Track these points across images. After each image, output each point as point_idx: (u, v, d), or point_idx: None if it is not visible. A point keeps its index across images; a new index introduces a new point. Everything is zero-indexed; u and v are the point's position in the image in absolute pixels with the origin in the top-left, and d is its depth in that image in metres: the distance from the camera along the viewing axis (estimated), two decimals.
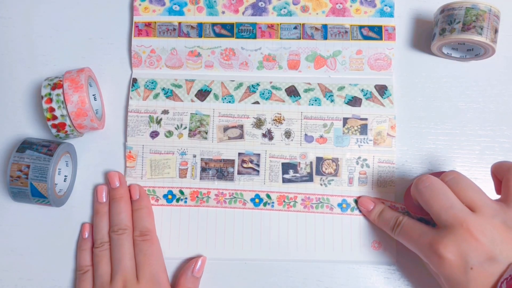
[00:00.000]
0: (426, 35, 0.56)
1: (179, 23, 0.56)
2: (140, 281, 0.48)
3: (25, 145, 0.49)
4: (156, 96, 0.54)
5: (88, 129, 0.52)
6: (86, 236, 0.52)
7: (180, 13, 0.56)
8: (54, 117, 0.49)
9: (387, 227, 0.49)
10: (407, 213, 0.49)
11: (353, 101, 0.54)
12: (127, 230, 0.50)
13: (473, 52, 0.53)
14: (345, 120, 0.53)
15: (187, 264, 0.51)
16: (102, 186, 0.52)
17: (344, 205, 0.52)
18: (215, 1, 0.56)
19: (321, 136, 0.53)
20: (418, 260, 0.51)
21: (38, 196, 0.48)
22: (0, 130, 0.55)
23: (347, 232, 0.51)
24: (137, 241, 0.50)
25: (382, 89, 0.54)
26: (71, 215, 0.53)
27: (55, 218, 0.53)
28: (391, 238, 0.51)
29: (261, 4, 0.55)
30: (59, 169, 0.52)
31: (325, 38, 0.55)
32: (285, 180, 0.53)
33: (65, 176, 0.52)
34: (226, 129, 0.54)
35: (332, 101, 0.54)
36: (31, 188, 0.48)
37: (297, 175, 0.53)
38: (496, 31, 0.50)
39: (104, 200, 0.52)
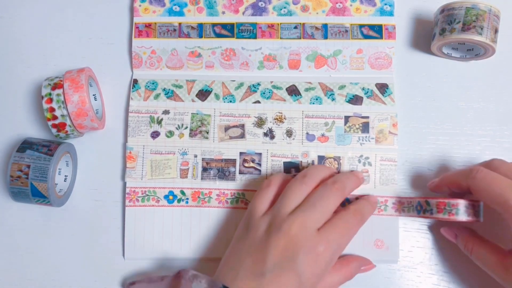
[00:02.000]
0: (426, 35, 0.56)
1: (179, 24, 0.56)
2: (321, 235, 0.44)
3: (25, 145, 0.48)
4: (157, 96, 0.54)
5: (88, 129, 0.52)
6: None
7: (180, 13, 0.56)
8: (54, 117, 0.49)
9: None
10: (410, 204, 0.50)
11: (354, 100, 0.54)
12: (345, 192, 0.47)
13: (473, 52, 0.54)
14: (346, 119, 0.53)
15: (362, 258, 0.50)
16: None
17: (346, 204, 0.51)
18: (215, 2, 0.56)
19: (323, 135, 0.53)
20: (418, 260, 0.51)
21: (38, 196, 0.48)
22: (0, 130, 0.55)
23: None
24: (346, 210, 0.46)
25: (383, 88, 0.54)
26: (71, 215, 0.53)
27: (55, 218, 0.53)
28: (394, 236, 0.51)
29: (261, 4, 0.56)
30: (59, 169, 0.52)
31: (326, 37, 0.55)
32: None
33: (65, 176, 0.52)
34: (227, 128, 0.54)
35: (333, 99, 0.54)
36: (31, 188, 0.47)
37: None
38: (496, 31, 0.50)
39: None
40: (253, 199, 0.48)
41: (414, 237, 0.51)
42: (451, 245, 0.50)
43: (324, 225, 0.44)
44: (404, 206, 0.51)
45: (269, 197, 0.48)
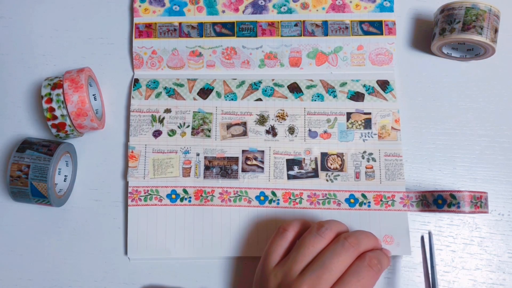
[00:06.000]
0: (426, 35, 0.56)
1: (180, 24, 0.56)
2: None
3: (25, 145, 0.48)
4: (158, 95, 0.54)
5: (88, 129, 0.51)
6: None
7: (180, 13, 0.56)
8: (54, 117, 0.49)
9: None
10: (423, 198, 0.50)
11: (356, 96, 0.54)
12: (359, 249, 0.43)
13: (473, 52, 0.54)
14: (348, 115, 0.53)
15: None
16: None
17: (352, 200, 0.51)
18: (215, 1, 0.56)
19: (325, 131, 0.53)
20: (418, 260, 0.51)
21: (38, 196, 0.48)
22: (0, 130, 0.55)
23: (356, 228, 0.50)
24: (362, 263, 0.42)
25: (384, 84, 0.54)
26: (71, 215, 0.52)
27: (55, 218, 0.52)
28: (403, 231, 0.50)
29: (261, 2, 0.56)
30: (59, 169, 0.51)
31: (326, 34, 0.55)
32: (290, 177, 0.52)
33: (65, 176, 0.52)
34: (229, 126, 0.53)
35: (334, 96, 0.54)
36: (31, 188, 0.47)
37: (302, 171, 0.52)
38: (496, 31, 0.50)
39: None
40: (268, 245, 0.46)
41: (414, 237, 0.51)
42: (451, 245, 0.50)
43: (335, 285, 0.41)
44: (413, 201, 0.51)
45: (284, 245, 0.45)
